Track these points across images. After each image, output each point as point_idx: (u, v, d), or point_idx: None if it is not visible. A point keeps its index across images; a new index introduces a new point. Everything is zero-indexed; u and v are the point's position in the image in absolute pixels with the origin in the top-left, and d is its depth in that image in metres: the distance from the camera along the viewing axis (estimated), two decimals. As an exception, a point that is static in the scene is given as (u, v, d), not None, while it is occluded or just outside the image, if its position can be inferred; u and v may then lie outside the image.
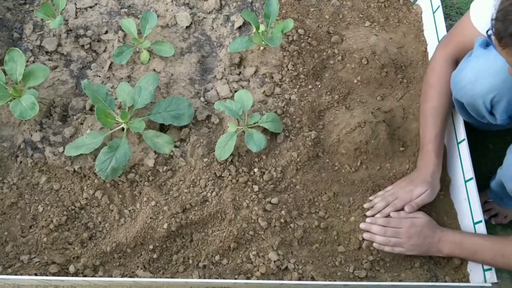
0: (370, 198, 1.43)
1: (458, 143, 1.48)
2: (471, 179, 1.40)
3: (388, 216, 1.36)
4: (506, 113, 1.26)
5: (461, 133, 1.46)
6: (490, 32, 1.04)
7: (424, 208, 1.46)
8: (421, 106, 1.47)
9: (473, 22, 1.32)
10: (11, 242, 1.31)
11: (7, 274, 1.26)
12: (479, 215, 1.36)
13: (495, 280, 1.29)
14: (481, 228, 1.35)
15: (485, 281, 1.31)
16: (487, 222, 1.58)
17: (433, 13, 1.68)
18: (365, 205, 1.41)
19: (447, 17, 1.92)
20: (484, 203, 1.60)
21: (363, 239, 1.36)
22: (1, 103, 1.35)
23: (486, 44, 1.25)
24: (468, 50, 1.32)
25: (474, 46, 1.29)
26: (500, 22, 0.98)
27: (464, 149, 1.44)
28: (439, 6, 1.65)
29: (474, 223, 1.38)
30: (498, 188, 1.50)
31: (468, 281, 1.36)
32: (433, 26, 1.66)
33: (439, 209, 1.47)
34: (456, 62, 1.41)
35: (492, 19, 1.01)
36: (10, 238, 1.32)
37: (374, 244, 1.35)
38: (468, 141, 1.44)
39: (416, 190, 1.37)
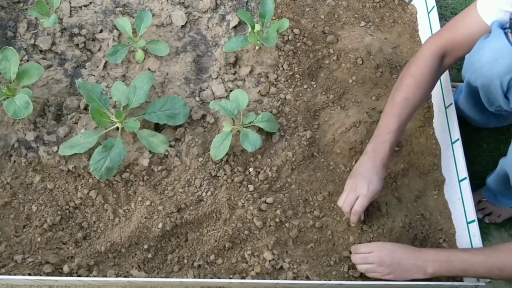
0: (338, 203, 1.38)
1: (452, 143, 1.49)
2: (465, 178, 1.41)
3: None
4: None
5: (455, 133, 1.47)
6: (507, 30, 1.02)
7: (420, 207, 1.47)
8: (393, 93, 1.36)
9: (480, 14, 1.27)
10: (4, 242, 1.30)
11: (1, 274, 1.26)
12: (472, 214, 1.37)
13: (488, 280, 1.30)
14: (475, 228, 1.35)
15: (478, 281, 1.31)
16: (480, 221, 1.59)
17: (428, 13, 1.68)
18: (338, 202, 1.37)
19: (442, 17, 1.93)
20: (478, 203, 1.61)
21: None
22: (-6, 102, 1.35)
23: (502, 27, 1.22)
24: (462, 47, 1.30)
25: (469, 43, 1.26)
26: None
27: (458, 149, 1.45)
28: (434, 7, 1.66)
29: (468, 223, 1.39)
30: (494, 183, 1.51)
31: (461, 280, 1.36)
32: (428, 26, 1.67)
33: (433, 208, 1.48)
34: (443, 58, 1.36)
35: (511, 18, 0.98)
36: (3, 238, 1.31)
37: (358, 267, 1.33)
38: (462, 140, 1.45)
39: (359, 190, 1.31)
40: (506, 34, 1.03)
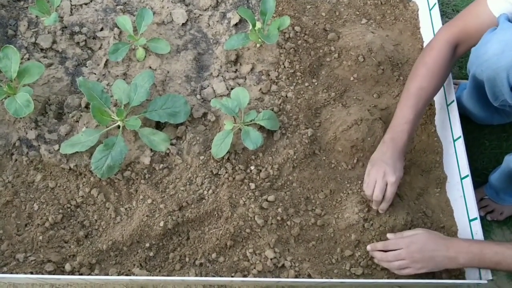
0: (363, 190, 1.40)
1: (454, 140, 1.48)
2: (467, 176, 1.41)
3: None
4: None
5: (457, 130, 1.47)
6: None
7: (422, 205, 1.47)
8: (408, 83, 1.38)
9: (490, 6, 1.27)
10: (6, 241, 1.30)
11: (3, 273, 1.26)
12: (474, 212, 1.37)
13: (490, 277, 1.29)
14: (477, 225, 1.35)
15: (481, 278, 1.31)
16: (482, 219, 1.59)
17: (430, 10, 1.68)
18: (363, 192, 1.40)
19: (444, 14, 1.92)
20: (480, 200, 1.60)
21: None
22: (-5, 100, 1.35)
23: (510, 20, 1.22)
24: (473, 37, 1.30)
25: (480, 33, 1.26)
26: None
27: (460, 147, 1.45)
28: (435, 4, 1.65)
29: (470, 220, 1.38)
30: (497, 181, 1.50)
31: (464, 278, 1.36)
32: (430, 23, 1.66)
33: (435, 206, 1.48)
34: (456, 48, 1.36)
35: None
36: (5, 237, 1.31)
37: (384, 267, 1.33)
38: (464, 138, 1.45)
39: (387, 177, 1.34)
40: None
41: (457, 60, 1.43)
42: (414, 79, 1.38)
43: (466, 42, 1.35)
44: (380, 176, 1.34)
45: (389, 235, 1.33)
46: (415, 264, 1.27)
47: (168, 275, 1.30)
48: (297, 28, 1.63)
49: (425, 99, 1.37)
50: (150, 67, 1.55)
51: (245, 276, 1.30)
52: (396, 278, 1.33)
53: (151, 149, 1.41)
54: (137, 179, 1.40)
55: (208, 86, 1.54)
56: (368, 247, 1.34)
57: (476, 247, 1.24)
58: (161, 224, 1.32)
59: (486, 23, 1.26)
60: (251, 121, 1.43)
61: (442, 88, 1.55)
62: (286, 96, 1.54)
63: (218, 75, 1.56)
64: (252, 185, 1.40)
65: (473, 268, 1.32)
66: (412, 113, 1.35)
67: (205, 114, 1.49)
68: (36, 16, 1.58)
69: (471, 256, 1.24)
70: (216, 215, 1.37)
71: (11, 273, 1.26)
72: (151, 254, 1.32)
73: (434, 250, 1.26)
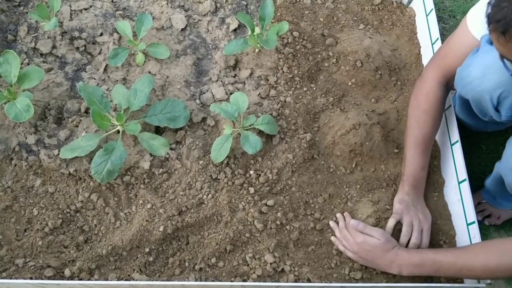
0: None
1: (451, 145, 1.49)
2: (464, 180, 1.42)
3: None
4: None
5: (455, 135, 1.48)
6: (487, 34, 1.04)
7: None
8: (412, 131, 1.42)
9: (471, 30, 1.31)
10: (5, 246, 1.30)
11: (2, 278, 1.25)
12: (472, 216, 1.37)
13: (488, 281, 1.30)
14: (475, 229, 1.36)
15: (479, 282, 1.32)
16: (480, 223, 1.60)
17: (426, 16, 1.69)
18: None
19: (440, 20, 1.94)
20: (477, 204, 1.61)
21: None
22: (-5, 105, 1.35)
23: (491, 42, 1.25)
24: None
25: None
26: (493, 7, 0.99)
27: (457, 151, 1.46)
28: (432, 9, 1.67)
29: (468, 224, 1.39)
30: (492, 186, 1.51)
31: (462, 281, 1.37)
32: (427, 28, 1.68)
33: (433, 210, 1.49)
34: (447, 84, 1.42)
35: (488, 3, 1.01)
36: (4, 242, 1.31)
37: (331, 237, 1.38)
38: (461, 143, 1.46)
39: (423, 224, 1.38)
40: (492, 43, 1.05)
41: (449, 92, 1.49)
42: (418, 127, 1.42)
43: (454, 77, 1.37)
44: (417, 224, 1.37)
45: (352, 221, 1.35)
46: (357, 257, 1.33)
47: (168, 280, 1.30)
48: (295, 34, 1.64)
49: (432, 141, 1.45)
50: (150, 72, 1.56)
51: (244, 280, 1.31)
52: (395, 282, 1.34)
53: (150, 154, 1.41)
54: (136, 183, 1.40)
55: (207, 91, 1.55)
56: (331, 223, 1.39)
57: (416, 258, 1.28)
58: (161, 228, 1.32)
59: (473, 47, 1.30)
60: (250, 125, 1.44)
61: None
62: (285, 100, 1.55)
63: (217, 80, 1.57)
64: (252, 190, 1.40)
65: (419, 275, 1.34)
66: (425, 159, 1.42)
67: (204, 119, 1.49)
68: (36, 21, 1.58)
69: (411, 268, 1.28)
70: (216, 219, 1.37)
71: (11, 278, 1.26)
72: (151, 259, 1.32)
73: (378, 258, 1.30)
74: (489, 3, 1.01)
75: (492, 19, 0.99)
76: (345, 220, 1.39)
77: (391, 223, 1.36)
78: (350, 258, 1.35)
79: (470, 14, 1.32)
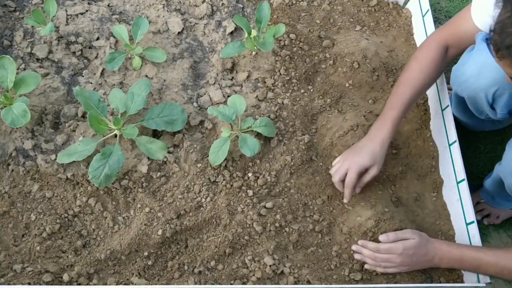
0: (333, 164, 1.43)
1: (449, 145, 1.49)
2: (463, 180, 1.42)
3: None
4: (507, 107, 1.26)
5: (453, 135, 1.48)
6: (488, 41, 1.05)
7: (418, 209, 1.48)
8: (400, 75, 1.43)
9: (473, 18, 1.30)
10: (3, 251, 1.29)
11: (0, 284, 1.25)
12: (471, 216, 1.37)
13: (488, 281, 1.30)
14: (474, 229, 1.36)
15: (479, 282, 1.32)
16: (479, 223, 1.60)
17: (423, 17, 1.70)
18: (331, 171, 1.43)
19: (436, 20, 1.94)
20: (476, 204, 1.61)
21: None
22: (-8, 111, 1.34)
23: (487, 38, 1.25)
24: (463, 41, 1.32)
25: (469, 38, 1.28)
26: (497, 34, 0.98)
27: (455, 151, 1.46)
28: (428, 10, 1.67)
29: (467, 224, 1.39)
30: (491, 187, 1.52)
31: (462, 281, 1.37)
32: (423, 29, 1.68)
33: (432, 211, 1.49)
34: (447, 49, 1.40)
35: (490, 30, 1.02)
36: (2, 247, 1.30)
37: (366, 266, 1.34)
38: (459, 142, 1.46)
39: (363, 161, 1.35)
40: (488, 44, 1.05)
41: (449, 63, 1.45)
42: (404, 71, 1.42)
43: (456, 45, 1.37)
44: (344, 160, 1.37)
45: (381, 237, 1.33)
46: (402, 267, 1.32)
47: (167, 284, 1.29)
48: (292, 36, 1.64)
49: (413, 90, 1.38)
50: (147, 76, 1.55)
51: (244, 283, 1.30)
52: (395, 283, 1.33)
53: (148, 158, 1.41)
54: (134, 187, 1.39)
55: (204, 94, 1.55)
56: (354, 247, 1.35)
57: (457, 253, 1.29)
58: (159, 232, 1.32)
59: (474, 31, 1.29)
60: (248, 128, 1.44)
61: (436, 93, 1.57)
62: (283, 103, 1.55)
63: (214, 83, 1.57)
64: (250, 192, 1.40)
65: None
66: (399, 101, 1.37)
67: (202, 122, 1.49)
68: (32, 26, 1.58)
69: (452, 262, 1.30)
70: (215, 222, 1.37)
71: (9, 284, 1.25)
72: (150, 263, 1.31)
73: (423, 255, 1.30)
74: (491, 31, 1.01)
75: (501, 46, 0.98)
76: (365, 247, 1.34)
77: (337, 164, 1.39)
78: (391, 273, 1.34)
79: (474, 2, 1.30)
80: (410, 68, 1.41)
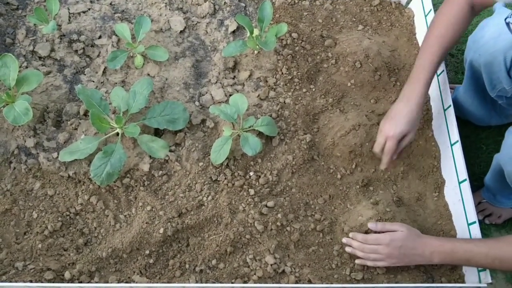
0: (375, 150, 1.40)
1: (451, 145, 1.49)
2: (464, 180, 1.42)
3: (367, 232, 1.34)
4: None
5: (455, 135, 1.48)
6: (508, 19, 1.04)
7: (420, 209, 1.48)
8: (427, 32, 1.40)
9: None
10: (5, 249, 1.30)
11: (2, 282, 1.25)
12: (473, 216, 1.37)
13: (490, 281, 1.30)
14: (476, 229, 1.36)
15: (480, 282, 1.32)
16: (481, 223, 1.60)
17: (425, 16, 1.70)
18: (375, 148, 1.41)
19: None
20: (478, 204, 1.61)
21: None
22: (-6, 109, 1.34)
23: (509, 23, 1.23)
24: (485, 1, 1.30)
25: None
26: None
27: (457, 151, 1.46)
28: (430, 10, 1.67)
29: (469, 224, 1.39)
30: (492, 181, 1.51)
31: (463, 281, 1.37)
32: (425, 29, 1.68)
33: (434, 210, 1.48)
34: (472, 5, 1.36)
35: (506, 18, 1.00)
36: (4, 245, 1.31)
37: (356, 261, 1.34)
38: (461, 142, 1.46)
39: (402, 130, 1.34)
40: (508, 25, 1.04)
41: (474, 17, 1.43)
42: (433, 28, 1.39)
43: (480, 2, 1.34)
44: (381, 130, 1.36)
45: (370, 225, 1.34)
46: (390, 259, 1.31)
47: (168, 282, 1.29)
48: (294, 35, 1.64)
49: (443, 48, 1.37)
50: (149, 75, 1.55)
51: (245, 282, 1.30)
52: (396, 282, 1.33)
53: (150, 156, 1.41)
54: (136, 186, 1.39)
55: (206, 92, 1.55)
56: (344, 240, 1.35)
57: (448, 246, 1.28)
58: (161, 231, 1.32)
59: None
60: (249, 127, 1.44)
61: (438, 92, 1.57)
62: (284, 102, 1.55)
63: (216, 82, 1.57)
64: (252, 191, 1.40)
65: (469, 267, 1.35)
66: (429, 60, 1.35)
67: (203, 121, 1.49)
68: (34, 25, 1.58)
69: (443, 256, 1.28)
70: (216, 221, 1.37)
71: (10, 281, 1.25)
72: (151, 261, 1.31)
73: (411, 249, 1.29)
74: (507, 23, 1.00)
75: None
76: (355, 239, 1.35)
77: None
78: (383, 266, 1.33)
79: None
80: (438, 24, 1.38)
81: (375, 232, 1.33)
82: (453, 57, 1.93)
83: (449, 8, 1.38)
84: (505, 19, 1.06)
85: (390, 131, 1.34)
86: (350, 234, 1.35)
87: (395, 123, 1.34)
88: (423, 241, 1.30)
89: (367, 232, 1.35)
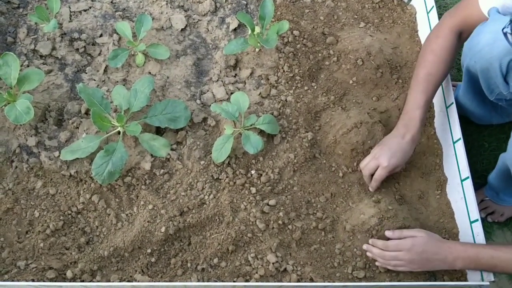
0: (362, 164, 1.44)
1: (454, 143, 1.49)
2: (467, 178, 1.41)
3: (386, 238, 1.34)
4: None
5: (457, 132, 1.47)
6: (506, 30, 1.04)
7: (422, 207, 1.47)
8: (416, 70, 1.42)
9: (480, 4, 1.29)
10: (7, 248, 1.30)
11: (4, 281, 1.25)
12: (475, 214, 1.37)
13: (492, 279, 1.29)
14: (478, 227, 1.35)
15: (483, 280, 1.31)
16: (483, 221, 1.59)
17: (427, 13, 1.69)
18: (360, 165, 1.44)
19: (441, 17, 1.92)
20: (480, 202, 1.61)
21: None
22: (-5, 108, 1.34)
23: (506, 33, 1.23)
24: (475, 25, 1.31)
25: (478, 21, 1.28)
26: None
27: (460, 148, 1.45)
28: (433, 7, 1.66)
29: (471, 222, 1.39)
30: (496, 180, 1.50)
31: (466, 280, 1.36)
32: (428, 26, 1.67)
33: (436, 208, 1.48)
34: (460, 35, 1.39)
35: (504, 28, 1.00)
36: (6, 244, 1.31)
37: (376, 263, 1.33)
38: (464, 140, 1.45)
39: (397, 163, 1.37)
40: (505, 35, 1.04)
41: (461, 46, 1.44)
42: (422, 66, 1.41)
43: (468, 30, 1.36)
44: (376, 156, 1.39)
45: (387, 233, 1.33)
46: (412, 265, 1.29)
47: (170, 281, 1.29)
48: (295, 32, 1.63)
49: (434, 85, 1.40)
50: (150, 73, 1.55)
51: (247, 280, 1.30)
52: (398, 281, 1.33)
53: (151, 155, 1.41)
54: (137, 184, 1.39)
55: (207, 91, 1.55)
56: (365, 247, 1.35)
57: (472, 251, 1.26)
58: (163, 229, 1.32)
59: (485, 19, 1.27)
60: (251, 125, 1.43)
61: (441, 90, 1.56)
62: (286, 100, 1.54)
63: (217, 80, 1.56)
64: (253, 189, 1.40)
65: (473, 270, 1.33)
66: (423, 99, 1.38)
67: (205, 119, 1.49)
68: (36, 23, 1.58)
69: (468, 261, 1.26)
70: (217, 220, 1.37)
71: (12, 280, 1.25)
72: (153, 259, 1.31)
73: (434, 254, 1.27)
74: (504, 33, 1.00)
75: None
76: (375, 245, 1.34)
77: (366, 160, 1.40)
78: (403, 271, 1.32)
79: None
80: (428, 62, 1.40)
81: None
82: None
83: (437, 44, 1.40)
84: (503, 29, 1.05)
85: (384, 162, 1.36)
86: (370, 241, 1.34)
87: (391, 155, 1.37)
88: (446, 246, 1.28)
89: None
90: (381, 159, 1.37)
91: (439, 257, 1.27)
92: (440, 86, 1.56)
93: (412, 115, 1.39)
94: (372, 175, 1.40)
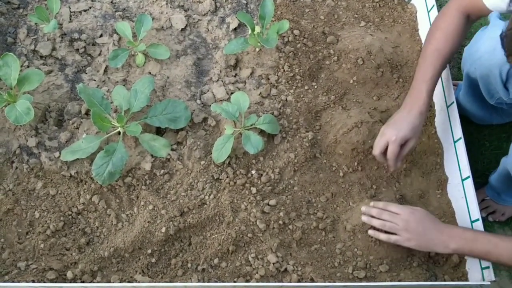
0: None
1: (454, 142, 1.48)
2: (468, 177, 1.41)
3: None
4: None
5: (458, 132, 1.47)
6: (502, 37, 1.04)
7: (423, 206, 1.47)
8: (424, 48, 1.42)
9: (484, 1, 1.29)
10: (7, 249, 1.30)
11: (4, 282, 1.25)
12: (476, 213, 1.37)
13: (493, 278, 1.29)
14: (479, 226, 1.35)
15: (483, 279, 1.31)
16: (484, 220, 1.59)
17: (428, 12, 1.68)
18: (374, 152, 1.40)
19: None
20: (481, 201, 1.61)
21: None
22: (-5, 108, 1.34)
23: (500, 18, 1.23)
24: (482, 12, 1.31)
25: (488, 10, 1.27)
26: (509, 41, 0.99)
27: (460, 148, 1.45)
28: (433, 5, 1.66)
29: (472, 221, 1.38)
30: (497, 182, 1.50)
31: (467, 279, 1.36)
32: (428, 25, 1.66)
33: (437, 208, 1.48)
34: (468, 16, 1.37)
35: (503, 33, 1.01)
36: (6, 245, 1.31)
37: (369, 231, 1.33)
38: (464, 139, 1.45)
39: (404, 134, 1.34)
40: (502, 39, 1.04)
41: (470, 26, 1.43)
42: (429, 43, 1.40)
43: (476, 13, 1.35)
44: (383, 133, 1.36)
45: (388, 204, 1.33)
46: (406, 234, 1.27)
47: (170, 281, 1.29)
48: (296, 32, 1.63)
49: (441, 60, 1.38)
50: (150, 73, 1.55)
51: (247, 281, 1.30)
52: (398, 280, 1.33)
53: (151, 155, 1.41)
54: (138, 185, 1.39)
55: (208, 91, 1.54)
56: (363, 208, 1.34)
57: (470, 234, 1.27)
58: (163, 230, 1.32)
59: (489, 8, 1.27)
60: (251, 125, 1.43)
61: (441, 89, 1.56)
62: (286, 99, 1.54)
63: (217, 80, 1.56)
64: (254, 190, 1.40)
65: (473, 265, 1.33)
66: (430, 73, 1.36)
67: (205, 119, 1.49)
68: (36, 24, 1.58)
69: (463, 242, 1.25)
70: (218, 220, 1.36)
71: (13, 281, 1.25)
72: (153, 260, 1.31)
73: (430, 228, 1.26)
74: (504, 36, 1.00)
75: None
76: (376, 206, 1.34)
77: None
78: (399, 245, 1.30)
79: None
80: (434, 38, 1.39)
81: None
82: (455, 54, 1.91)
83: (445, 22, 1.39)
84: (501, 35, 1.05)
85: (392, 135, 1.34)
86: (371, 203, 1.35)
87: (397, 128, 1.34)
88: (444, 225, 1.29)
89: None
90: (388, 134, 1.35)
91: (434, 231, 1.26)
92: (441, 85, 1.56)
93: (418, 88, 1.37)
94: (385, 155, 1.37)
